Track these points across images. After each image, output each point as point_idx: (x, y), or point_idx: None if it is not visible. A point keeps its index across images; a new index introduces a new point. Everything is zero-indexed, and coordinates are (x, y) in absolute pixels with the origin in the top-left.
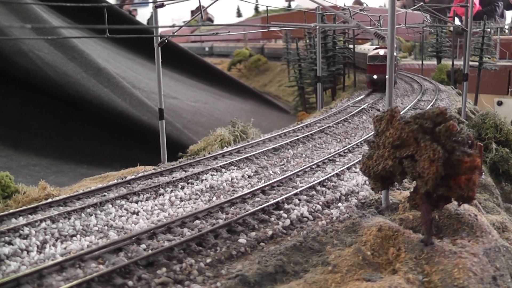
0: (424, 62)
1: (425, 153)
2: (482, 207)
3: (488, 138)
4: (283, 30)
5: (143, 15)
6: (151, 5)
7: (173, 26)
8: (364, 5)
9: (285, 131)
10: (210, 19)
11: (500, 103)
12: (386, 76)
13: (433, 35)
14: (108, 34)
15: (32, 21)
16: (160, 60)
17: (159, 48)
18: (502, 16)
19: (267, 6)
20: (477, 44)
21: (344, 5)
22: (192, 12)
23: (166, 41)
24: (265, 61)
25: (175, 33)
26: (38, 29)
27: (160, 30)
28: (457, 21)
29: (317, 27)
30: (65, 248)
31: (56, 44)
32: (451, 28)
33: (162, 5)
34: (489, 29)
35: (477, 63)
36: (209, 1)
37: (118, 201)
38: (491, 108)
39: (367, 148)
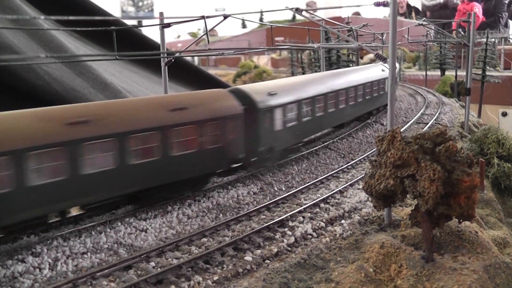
0: (428, 73)
1: (425, 173)
2: (484, 223)
3: (491, 153)
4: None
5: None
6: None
7: (178, 36)
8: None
9: None
10: None
11: (504, 114)
12: None
13: (437, 46)
14: (117, 57)
15: (40, 37)
16: (167, 78)
17: (166, 67)
18: (506, 26)
19: (271, 25)
20: (480, 57)
21: (348, 18)
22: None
23: (173, 60)
24: (269, 73)
25: (181, 53)
26: (46, 45)
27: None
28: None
29: (321, 48)
30: (76, 266)
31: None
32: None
33: (168, 26)
34: (493, 39)
35: (480, 75)
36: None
37: (127, 219)
38: (495, 119)
39: (370, 167)
